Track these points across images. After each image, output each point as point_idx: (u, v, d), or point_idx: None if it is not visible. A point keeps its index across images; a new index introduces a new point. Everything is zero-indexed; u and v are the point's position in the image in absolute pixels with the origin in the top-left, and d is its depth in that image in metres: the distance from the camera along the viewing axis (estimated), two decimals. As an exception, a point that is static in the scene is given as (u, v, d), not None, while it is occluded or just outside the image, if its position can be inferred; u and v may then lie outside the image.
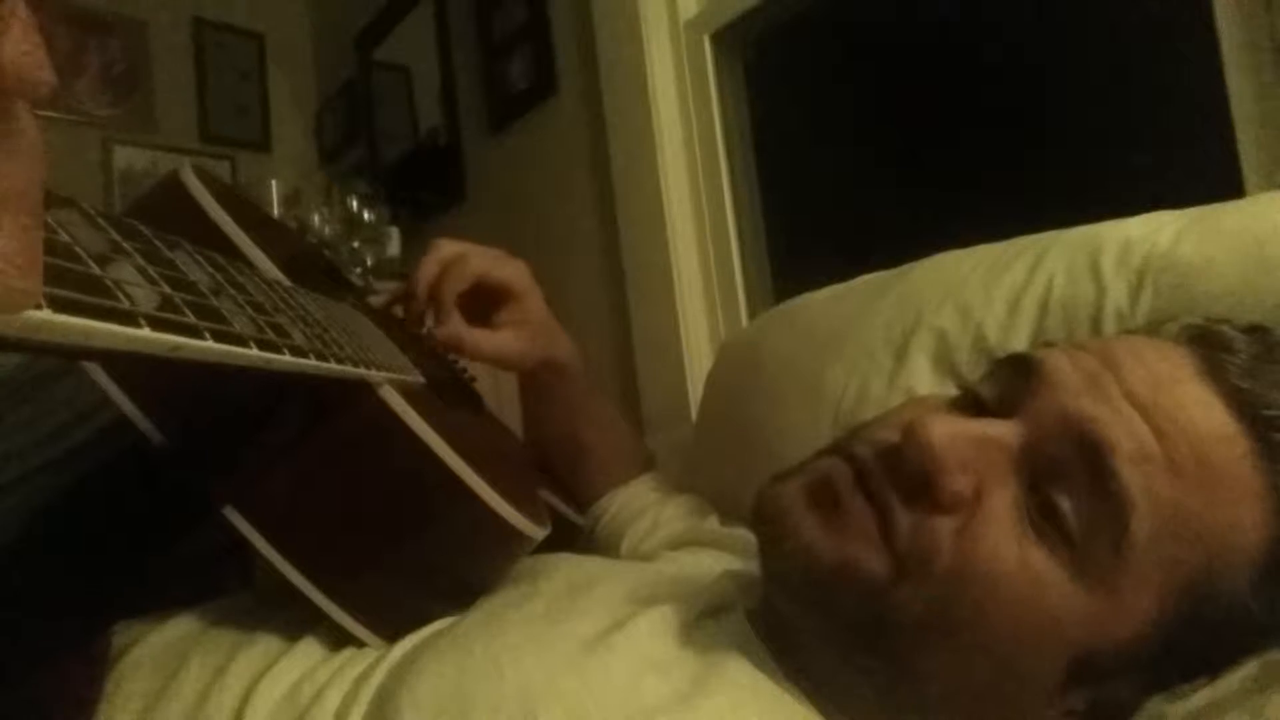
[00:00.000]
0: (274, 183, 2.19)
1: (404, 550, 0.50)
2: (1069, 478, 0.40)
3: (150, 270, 0.24)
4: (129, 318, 0.20)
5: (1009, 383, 0.45)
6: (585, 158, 1.64)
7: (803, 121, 1.44)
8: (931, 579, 0.40)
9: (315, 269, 0.69)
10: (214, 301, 0.28)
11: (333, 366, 0.40)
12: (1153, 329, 0.49)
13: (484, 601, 0.54)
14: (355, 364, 0.44)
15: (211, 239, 0.52)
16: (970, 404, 0.46)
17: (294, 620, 0.51)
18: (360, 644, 0.49)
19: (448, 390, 0.67)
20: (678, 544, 0.76)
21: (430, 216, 2.14)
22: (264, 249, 0.53)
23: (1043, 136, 1.12)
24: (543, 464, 0.85)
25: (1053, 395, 0.42)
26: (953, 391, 0.51)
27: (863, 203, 1.34)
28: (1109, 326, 0.61)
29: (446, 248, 0.72)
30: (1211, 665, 0.43)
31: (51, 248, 0.19)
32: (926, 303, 0.73)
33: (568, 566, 0.60)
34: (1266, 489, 0.40)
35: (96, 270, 0.20)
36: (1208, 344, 0.44)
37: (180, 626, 0.52)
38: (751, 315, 1.40)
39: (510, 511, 0.51)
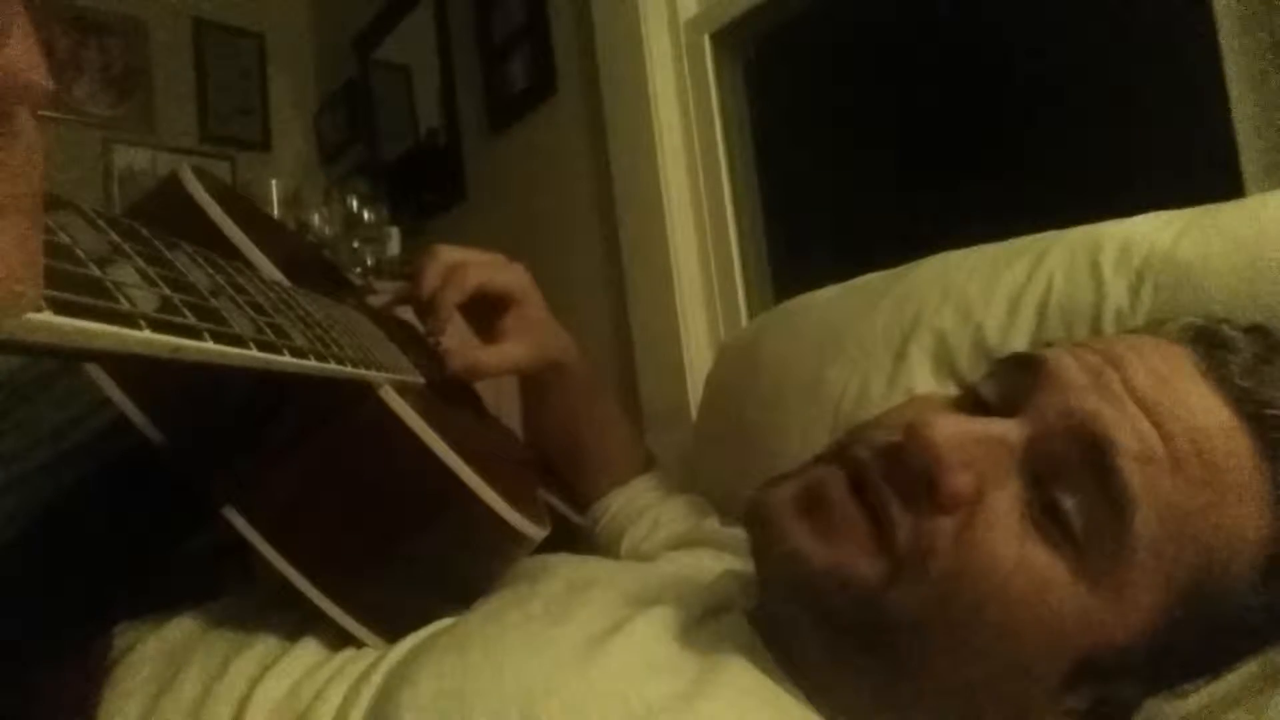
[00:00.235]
0: (274, 183, 2.19)
1: (404, 550, 0.50)
2: (1072, 476, 0.40)
3: (150, 272, 0.24)
4: (129, 320, 0.20)
5: (1012, 381, 0.45)
6: (585, 158, 1.64)
7: (803, 121, 1.44)
8: (929, 580, 0.40)
9: (315, 269, 0.69)
10: (214, 303, 0.28)
11: (333, 367, 0.40)
12: (1153, 328, 0.49)
13: (484, 602, 0.54)
14: (355, 364, 0.44)
15: (211, 239, 0.52)
16: (972, 403, 0.46)
17: (294, 620, 0.51)
18: (360, 644, 0.49)
19: (448, 390, 0.67)
20: (678, 544, 0.76)
21: (430, 216, 2.14)
22: (264, 249, 0.53)
23: (1042, 136, 1.12)
24: (543, 464, 0.85)
25: (1058, 393, 0.42)
26: (953, 391, 0.51)
27: (863, 203, 1.34)
28: (1109, 326, 0.61)
29: (446, 255, 0.72)
30: (1212, 665, 0.43)
31: (52, 250, 0.19)
32: (926, 303, 0.74)
33: (567, 567, 0.60)
34: (1267, 489, 0.40)
35: (96, 272, 0.20)
36: (1208, 343, 0.44)
37: (181, 627, 0.52)
38: (751, 315, 1.40)
39: (510, 512, 0.51)
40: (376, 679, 0.46)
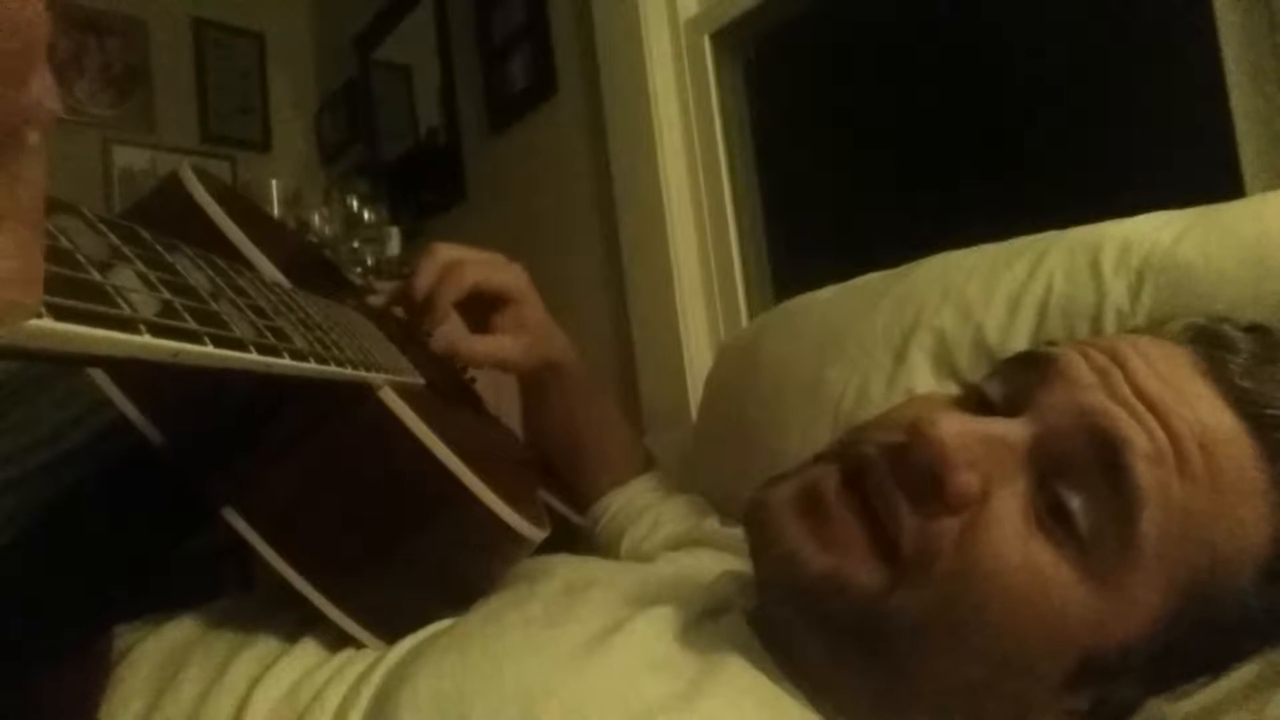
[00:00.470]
0: (274, 183, 2.19)
1: (403, 551, 0.50)
2: (1079, 474, 0.40)
3: (150, 275, 0.24)
4: (129, 325, 0.20)
5: (1018, 380, 0.45)
6: (585, 158, 1.64)
7: (803, 121, 1.44)
8: (933, 581, 0.40)
9: (315, 269, 0.69)
10: (214, 306, 0.28)
11: (332, 369, 0.40)
12: (1154, 328, 0.49)
13: (483, 603, 0.54)
14: (355, 366, 0.44)
15: (212, 240, 0.52)
16: (975, 403, 0.46)
17: (294, 621, 0.51)
18: (359, 645, 0.49)
19: (448, 392, 0.67)
20: (677, 544, 0.76)
21: (430, 216, 2.14)
22: (264, 250, 0.53)
23: (1043, 136, 1.12)
24: (543, 465, 0.85)
25: (1066, 390, 0.42)
26: (954, 390, 0.51)
27: (863, 203, 1.34)
28: (1109, 327, 0.61)
29: (443, 253, 0.72)
30: (1213, 665, 0.43)
31: (52, 254, 0.19)
32: (926, 303, 0.74)
33: (567, 568, 0.60)
34: (1268, 489, 0.40)
35: (97, 277, 0.20)
36: (1209, 343, 0.44)
37: (181, 628, 0.52)
38: (751, 315, 1.40)
39: (509, 513, 0.51)
40: (376, 679, 0.46)
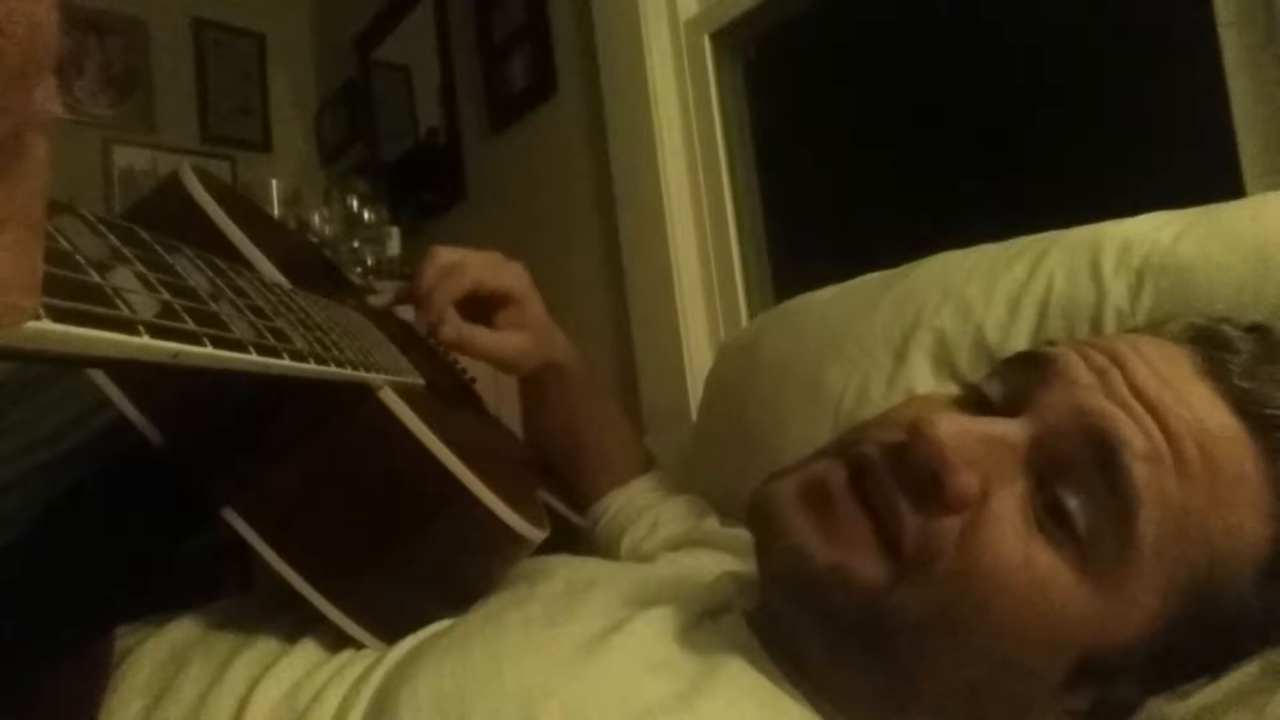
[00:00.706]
0: (274, 183, 2.19)
1: (403, 552, 0.50)
2: (1078, 475, 0.40)
3: (150, 276, 0.24)
4: (128, 326, 0.20)
5: (1018, 380, 0.45)
6: (585, 158, 1.64)
7: (803, 121, 1.44)
8: (934, 580, 0.40)
9: (315, 269, 0.69)
10: (213, 307, 0.28)
11: (332, 370, 0.40)
12: (1154, 328, 0.49)
13: (483, 603, 0.54)
14: (355, 367, 0.44)
15: (212, 240, 0.52)
16: (975, 403, 0.46)
17: (293, 622, 0.51)
18: (359, 645, 0.49)
19: (448, 392, 0.67)
20: (677, 545, 0.76)
21: (430, 216, 2.14)
22: (264, 250, 0.53)
23: (1043, 136, 1.12)
24: (543, 465, 0.85)
25: (1065, 390, 0.42)
26: (954, 390, 0.51)
27: (863, 203, 1.34)
28: (1109, 327, 0.61)
29: (444, 255, 0.72)
30: (1213, 665, 0.43)
31: (51, 256, 0.19)
32: (926, 303, 0.74)
33: (567, 568, 0.60)
34: (1268, 489, 0.40)
35: (96, 278, 0.20)
36: (1208, 343, 0.44)
37: (181, 629, 0.52)
38: (751, 315, 1.40)
39: (509, 514, 0.51)
40: (375, 680, 0.46)
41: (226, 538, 0.47)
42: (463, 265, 0.72)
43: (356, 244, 2.03)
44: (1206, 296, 0.56)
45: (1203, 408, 0.40)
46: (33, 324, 0.16)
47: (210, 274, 0.33)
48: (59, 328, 0.17)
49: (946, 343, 0.70)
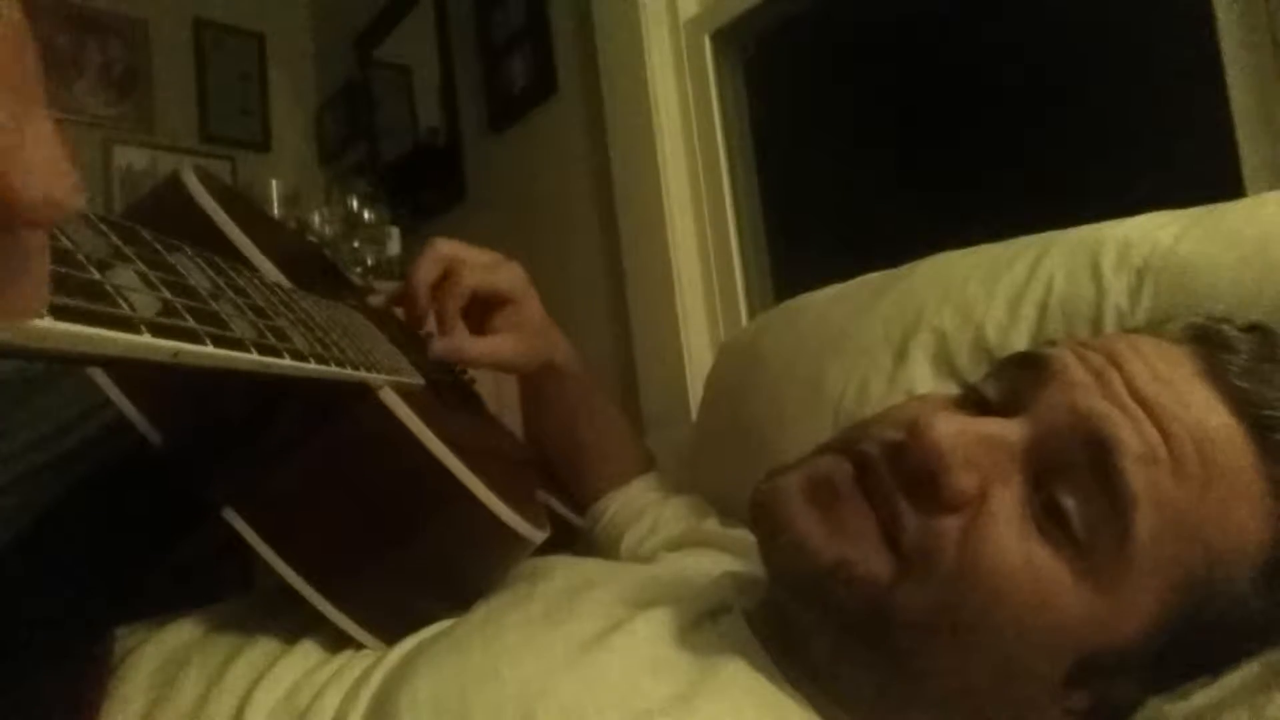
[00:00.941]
0: (274, 183, 2.19)
1: (403, 552, 0.50)
2: (1074, 475, 0.40)
3: (151, 275, 0.24)
4: (129, 324, 0.20)
5: (1015, 380, 0.45)
6: (585, 158, 1.64)
7: (803, 121, 1.44)
8: (935, 578, 0.40)
9: (316, 269, 0.69)
10: (214, 306, 0.28)
11: (332, 369, 0.40)
12: (1153, 328, 0.49)
13: (483, 604, 0.54)
14: (355, 367, 0.44)
15: (213, 240, 0.52)
16: (974, 403, 0.46)
17: (293, 623, 0.51)
18: (359, 646, 0.49)
19: (448, 392, 0.67)
20: (677, 545, 0.76)
21: (430, 216, 2.14)
22: (265, 250, 0.53)
23: (1043, 136, 1.12)
24: (543, 465, 0.85)
25: (1062, 391, 0.42)
26: (954, 390, 0.51)
27: (863, 203, 1.34)
28: (1109, 326, 0.61)
29: (442, 248, 0.72)
30: (1212, 665, 0.43)
31: (52, 254, 0.19)
32: (926, 303, 0.74)
33: (566, 568, 0.60)
34: (1267, 489, 0.40)
35: (97, 276, 0.20)
36: (1208, 343, 0.44)
37: (181, 631, 0.52)
38: (751, 315, 1.40)
39: (509, 514, 0.51)
40: (375, 680, 0.46)
41: (226, 538, 0.47)
42: (461, 265, 0.72)
43: (356, 244, 2.03)
44: (1206, 296, 0.56)
45: (1201, 408, 0.40)
46: (34, 321, 0.16)
47: (211, 273, 0.33)
48: (60, 325, 0.17)
49: (946, 343, 0.70)
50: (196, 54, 2.49)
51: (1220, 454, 0.39)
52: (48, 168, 0.14)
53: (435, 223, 2.12)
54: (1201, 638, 0.41)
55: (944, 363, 0.71)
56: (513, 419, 0.88)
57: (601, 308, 1.60)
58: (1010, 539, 0.40)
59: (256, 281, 0.41)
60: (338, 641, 0.49)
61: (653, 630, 0.48)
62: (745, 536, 0.70)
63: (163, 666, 0.49)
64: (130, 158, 2.33)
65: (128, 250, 0.25)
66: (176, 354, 0.22)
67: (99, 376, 0.46)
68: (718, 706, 0.42)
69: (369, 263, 2.02)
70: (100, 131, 2.29)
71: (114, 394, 0.46)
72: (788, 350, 0.84)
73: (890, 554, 0.42)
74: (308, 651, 0.49)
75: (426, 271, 0.71)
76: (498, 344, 0.75)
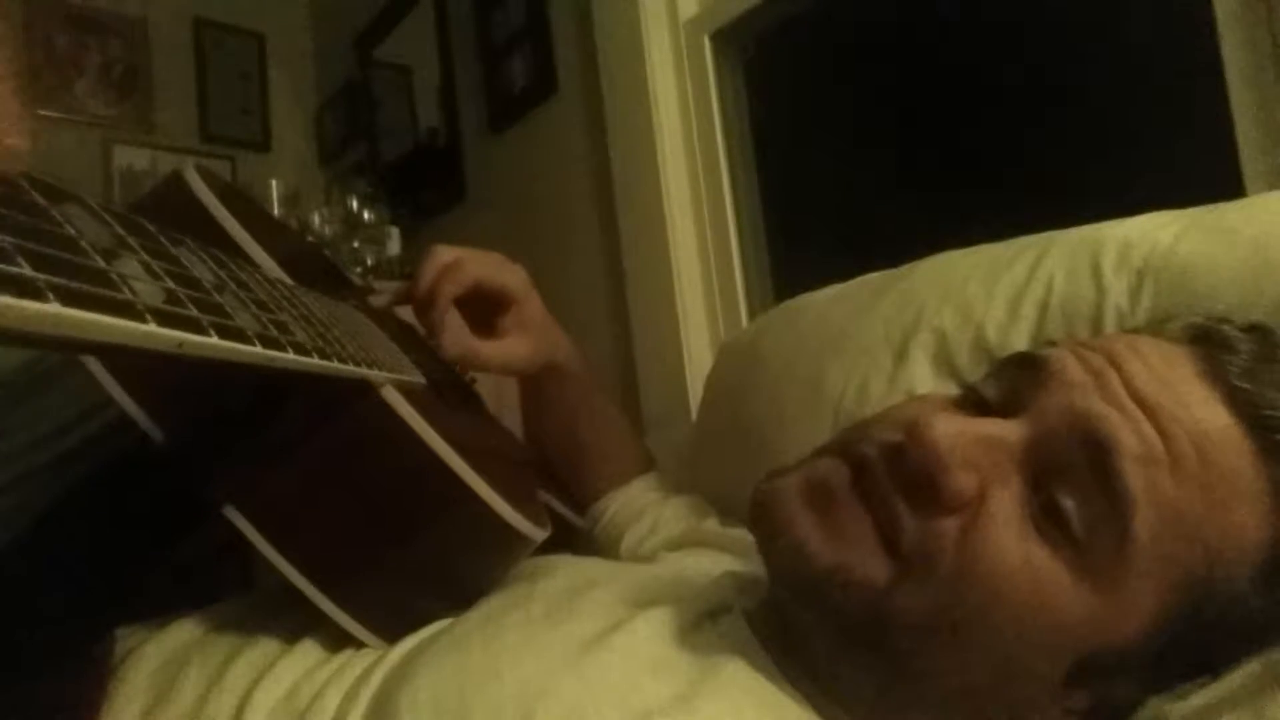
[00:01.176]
0: (274, 183, 2.19)
1: (404, 551, 0.50)
2: (1073, 477, 0.40)
3: (155, 266, 0.24)
4: (135, 312, 0.20)
5: (1014, 381, 0.45)
6: (585, 158, 1.64)
7: (802, 121, 1.44)
8: (935, 580, 0.40)
9: (317, 269, 0.69)
10: (218, 298, 0.28)
11: (335, 365, 0.40)
12: (1153, 328, 0.49)
13: (483, 603, 0.54)
14: (358, 364, 0.44)
15: (214, 237, 0.52)
16: (973, 403, 0.46)
17: (294, 622, 0.51)
18: (360, 645, 0.49)
19: (448, 391, 0.67)
20: (677, 545, 0.76)
21: (430, 216, 2.14)
22: (266, 248, 0.53)
23: (1043, 136, 1.12)
24: (543, 465, 0.85)
25: (1060, 393, 0.42)
26: (954, 391, 0.51)
27: (863, 202, 1.34)
28: (1109, 327, 0.61)
29: (444, 254, 0.72)
30: (1212, 665, 0.43)
31: (58, 241, 0.19)
32: (926, 303, 0.74)
33: (567, 568, 0.60)
34: (1267, 489, 0.40)
35: (102, 264, 0.20)
36: (1208, 343, 0.44)
37: (181, 631, 0.52)
38: (751, 315, 1.40)
39: (510, 513, 0.51)
40: (376, 679, 0.46)
41: (227, 537, 0.47)
42: (462, 265, 0.72)
43: (356, 244, 2.03)
44: (1206, 296, 0.56)
45: (1200, 408, 0.40)
46: (42, 306, 0.16)
47: (214, 267, 0.33)
48: (69, 311, 0.17)
49: (947, 343, 0.70)
50: (196, 54, 2.49)
51: (1220, 454, 0.39)
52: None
53: (435, 223, 2.12)
54: (1201, 637, 0.41)
55: (944, 363, 0.71)
56: (513, 419, 0.88)
57: (601, 308, 1.60)
58: (1009, 540, 0.40)
59: (259, 276, 0.41)
60: (338, 641, 0.49)
61: (653, 630, 0.48)
62: (745, 536, 0.69)
63: (163, 667, 0.49)
64: (130, 158, 2.33)
65: (132, 241, 0.25)
66: (180, 344, 0.22)
67: (100, 373, 0.46)
68: (718, 706, 0.42)
69: (369, 263, 2.02)
70: (100, 131, 2.29)
71: (115, 390, 0.46)
72: (788, 350, 0.84)
73: (887, 558, 0.42)
74: (308, 651, 0.49)
75: (428, 276, 0.71)
76: (504, 347, 0.75)
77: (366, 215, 2.06)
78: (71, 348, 0.19)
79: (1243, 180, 0.87)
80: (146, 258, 0.24)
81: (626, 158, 1.51)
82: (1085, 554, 0.39)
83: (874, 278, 0.84)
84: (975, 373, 0.64)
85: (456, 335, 0.71)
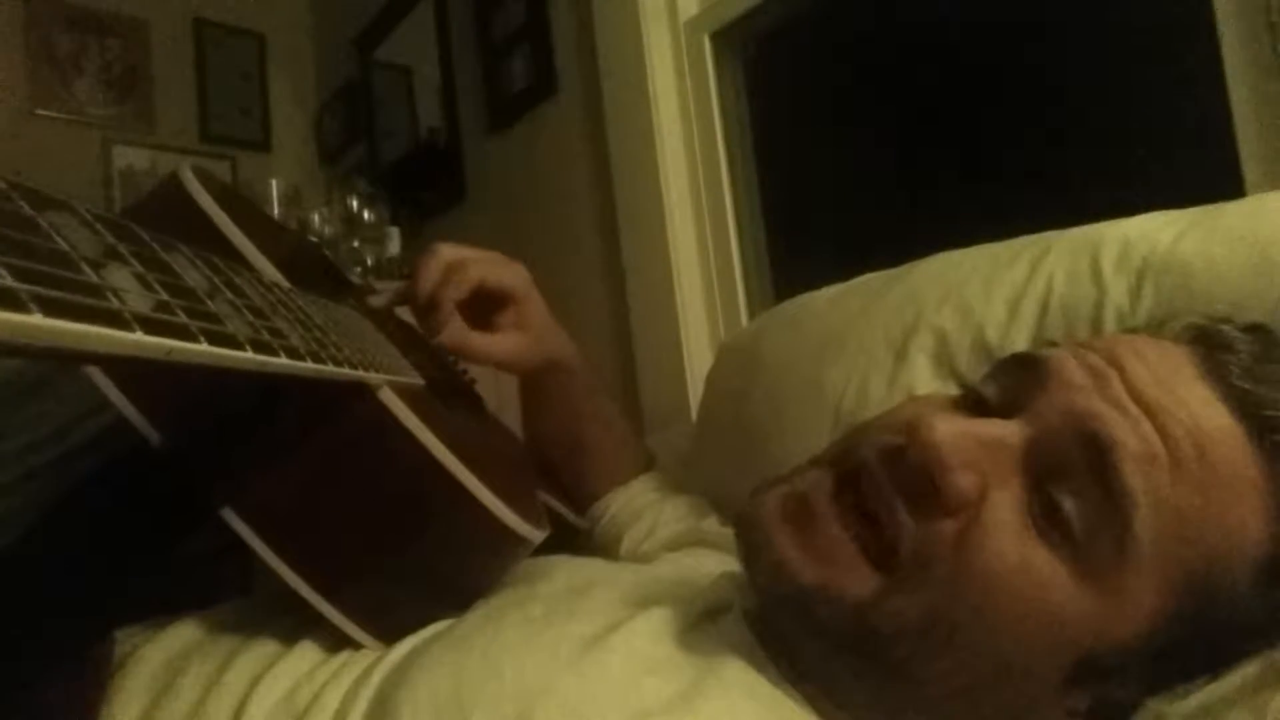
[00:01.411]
0: (274, 183, 2.19)
1: (402, 553, 0.50)
2: (1073, 477, 0.40)
3: (145, 274, 0.24)
4: (122, 321, 0.20)
5: (1013, 381, 0.45)
6: (585, 158, 1.64)
7: (803, 121, 1.44)
8: (931, 583, 0.40)
9: (315, 269, 0.69)
10: (210, 305, 0.28)
11: (330, 369, 0.40)
12: (1153, 328, 0.49)
13: (482, 604, 0.54)
14: (354, 366, 0.44)
15: (211, 240, 0.52)
16: (972, 404, 0.46)
17: (292, 624, 0.51)
18: (358, 646, 0.49)
19: (447, 392, 0.67)
20: (677, 545, 0.76)
21: (430, 216, 2.14)
22: (263, 250, 0.53)
23: (1043, 136, 1.12)
24: (542, 465, 0.85)
25: (1060, 393, 0.42)
26: (953, 391, 0.51)
27: (863, 203, 1.34)
28: (1109, 327, 0.61)
29: (445, 252, 0.72)
30: (1212, 665, 0.43)
31: (44, 252, 0.19)
32: (926, 303, 0.74)
33: (566, 568, 0.60)
34: (1267, 489, 0.40)
35: (90, 274, 0.20)
36: (1208, 343, 0.44)
37: (180, 633, 0.52)
38: (751, 315, 1.40)
39: (508, 514, 0.51)
40: (374, 680, 0.46)
41: (225, 539, 0.47)
42: (463, 264, 0.72)
43: (356, 244, 2.04)
44: (1206, 296, 0.56)
45: (1201, 408, 0.40)
46: (26, 318, 0.16)
47: (208, 272, 0.33)
48: (53, 322, 0.17)
49: (947, 343, 0.70)
50: (196, 54, 2.50)
51: (1220, 454, 0.39)
52: None
53: (435, 223, 2.12)
54: (1201, 638, 0.41)
55: (944, 363, 0.71)
56: (513, 419, 0.88)
57: (601, 308, 1.60)
58: (1009, 541, 0.40)
59: (254, 281, 0.41)
60: (337, 641, 0.49)
61: (653, 630, 0.48)
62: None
63: (162, 668, 0.48)
64: (130, 158, 2.33)
65: (122, 248, 0.25)
66: (170, 352, 0.22)
67: (98, 377, 0.46)
68: (717, 705, 0.42)
69: (369, 263, 2.02)
70: (100, 131, 2.29)
71: (113, 394, 0.46)
72: (788, 350, 0.84)
73: (871, 572, 0.42)
74: (307, 652, 0.49)
75: (429, 275, 0.71)
76: (502, 342, 0.75)
77: (366, 215, 2.06)
78: (59, 357, 0.19)
79: (1243, 180, 0.87)
80: (137, 265, 0.24)
81: (626, 158, 1.51)
82: (1085, 554, 0.39)
83: (874, 278, 0.84)
84: (975, 373, 0.63)
85: (455, 326, 0.71)
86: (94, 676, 0.49)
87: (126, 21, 2.37)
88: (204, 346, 0.24)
